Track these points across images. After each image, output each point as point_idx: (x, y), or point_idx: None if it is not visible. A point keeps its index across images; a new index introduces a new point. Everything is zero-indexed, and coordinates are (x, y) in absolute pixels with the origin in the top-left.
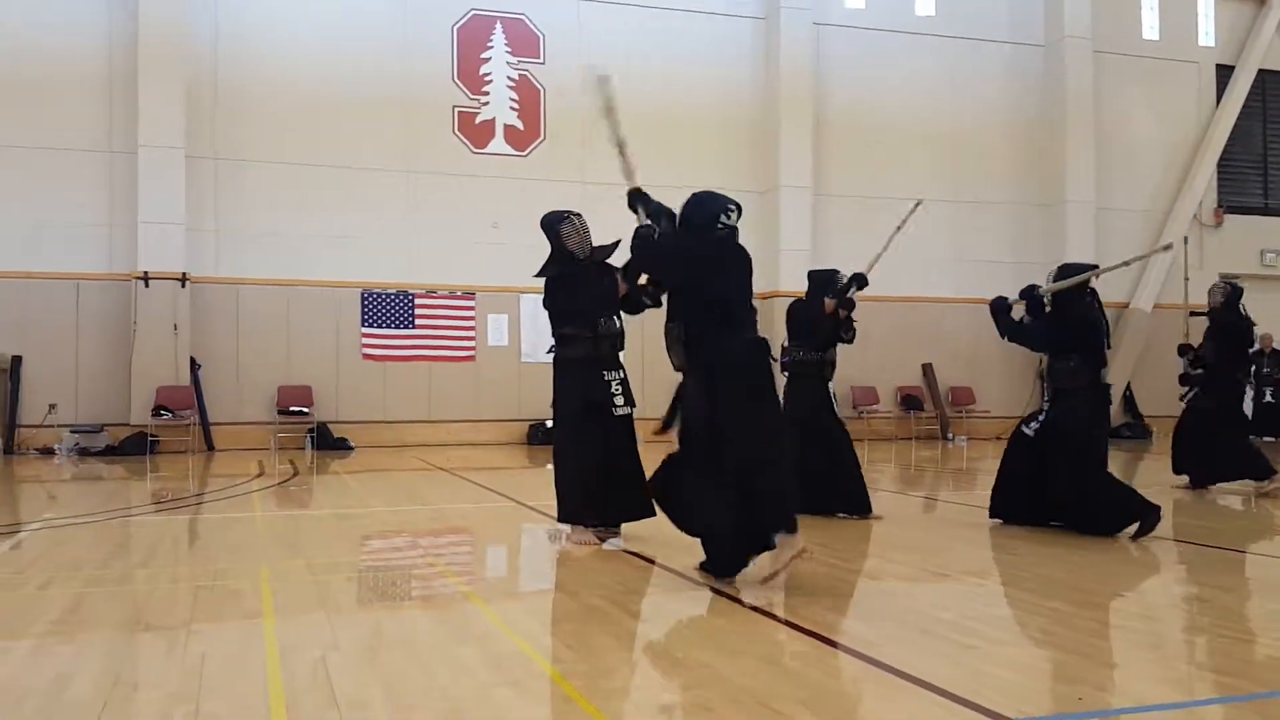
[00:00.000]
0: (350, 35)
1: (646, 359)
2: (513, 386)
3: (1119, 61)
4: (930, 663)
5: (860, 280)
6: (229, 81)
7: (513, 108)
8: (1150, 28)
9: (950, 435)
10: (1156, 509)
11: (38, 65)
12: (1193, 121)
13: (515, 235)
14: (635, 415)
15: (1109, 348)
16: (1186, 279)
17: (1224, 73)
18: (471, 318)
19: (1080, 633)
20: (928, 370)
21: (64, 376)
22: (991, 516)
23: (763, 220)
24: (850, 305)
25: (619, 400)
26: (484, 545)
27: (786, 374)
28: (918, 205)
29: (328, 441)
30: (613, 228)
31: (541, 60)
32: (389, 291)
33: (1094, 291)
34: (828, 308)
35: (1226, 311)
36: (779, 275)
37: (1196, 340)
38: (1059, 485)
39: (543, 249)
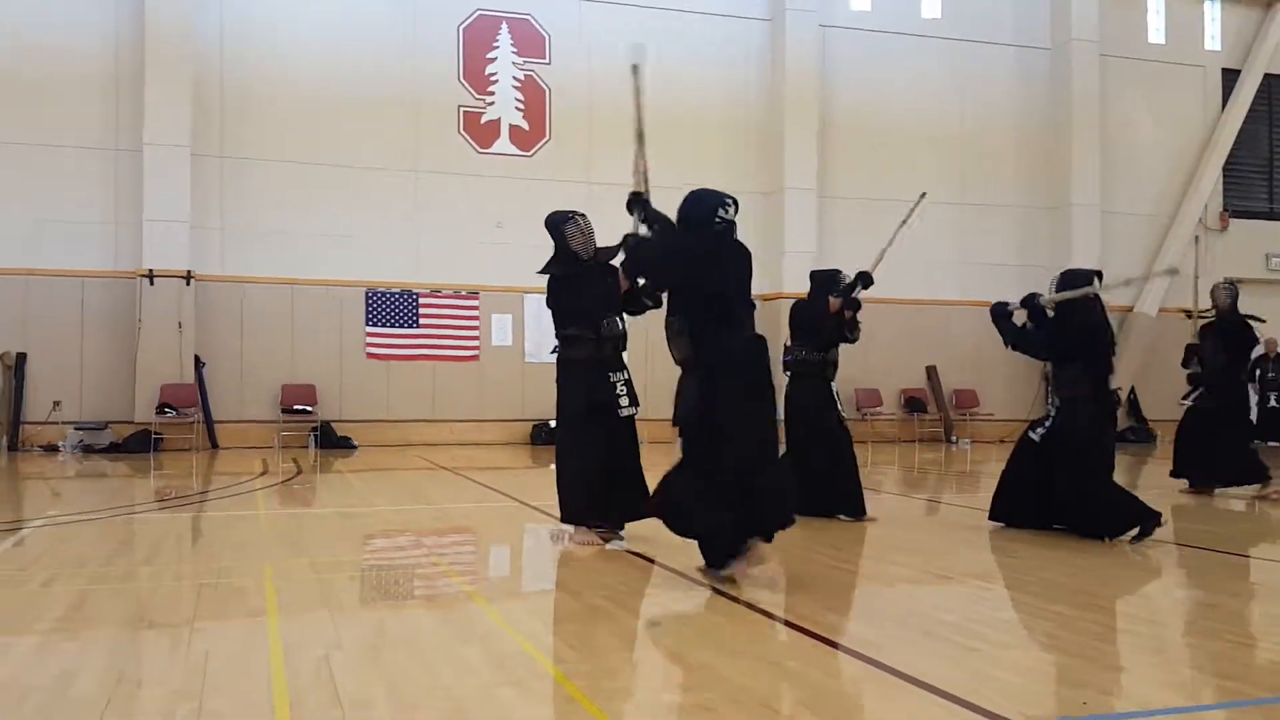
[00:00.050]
0: (356, 35)
1: (650, 360)
2: (516, 386)
3: (1125, 65)
4: (932, 664)
5: (865, 279)
6: (235, 80)
7: (518, 108)
8: (1156, 31)
9: (954, 438)
10: (1157, 515)
11: (44, 63)
12: (1198, 125)
13: (520, 235)
14: (639, 416)
15: (1115, 354)
16: (1197, 278)
17: (1230, 77)
18: (476, 317)
19: (1084, 636)
20: (932, 373)
21: (69, 374)
22: (991, 519)
23: (767, 222)
24: (856, 305)
25: (624, 401)
26: (487, 545)
27: (788, 373)
28: (923, 197)
29: (331, 440)
30: (617, 228)
31: (547, 60)
32: (393, 291)
33: (1098, 296)
34: (833, 306)
35: (1233, 313)
36: (783, 277)
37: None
38: (1062, 489)
39: (547, 249)
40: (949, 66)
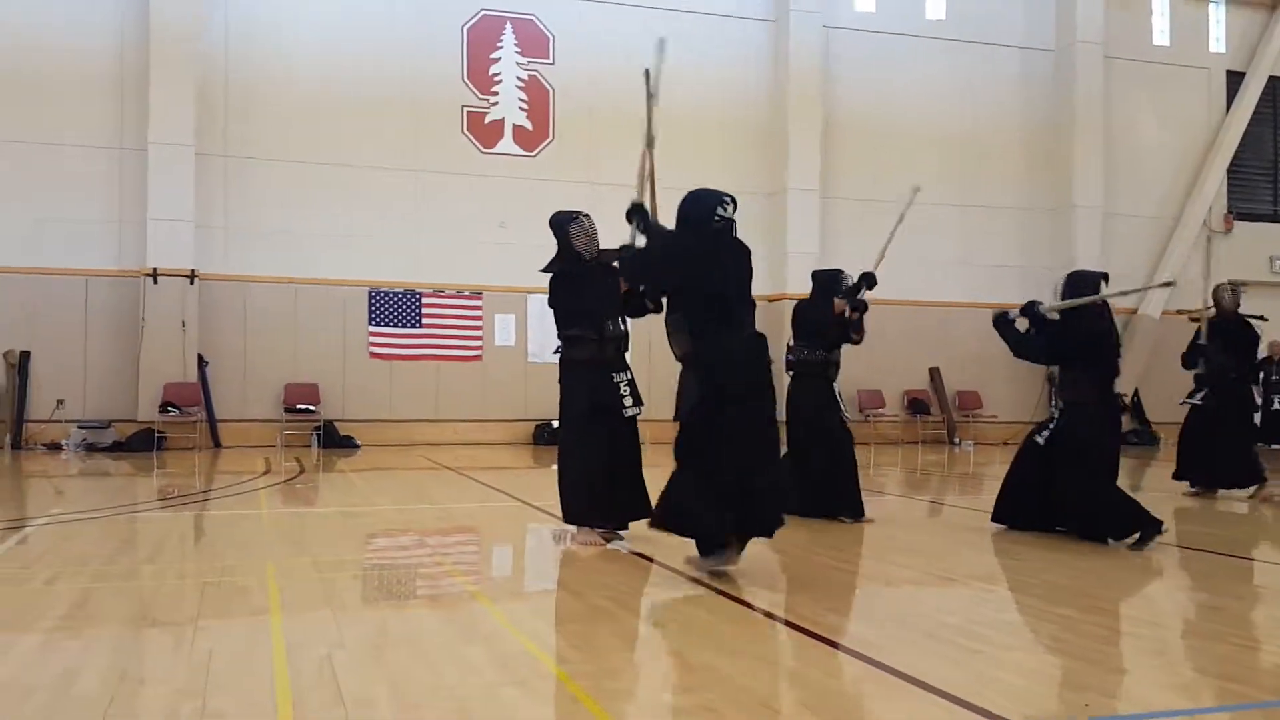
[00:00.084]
0: (361, 35)
1: (651, 360)
2: (519, 386)
3: (1129, 67)
4: (934, 666)
5: (869, 280)
6: (239, 79)
7: (521, 108)
8: (1161, 33)
9: (957, 440)
10: (1158, 523)
11: (50, 63)
12: (1203, 127)
13: (523, 235)
14: (641, 416)
15: (1120, 357)
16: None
17: (1234, 79)
18: (479, 317)
19: (1087, 638)
20: (935, 374)
21: (72, 372)
22: (994, 521)
23: (770, 222)
24: (863, 306)
25: (628, 401)
26: (490, 545)
27: (791, 373)
28: (916, 191)
29: (334, 440)
30: (620, 228)
31: (551, 61)
32: (396, 290)
33: (1105, 301)
34: (838, 308)
35: (1236, 313)
36: (786, 277)
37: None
38: (1064, 492)
39: (550, 249)
40: (953, 68)
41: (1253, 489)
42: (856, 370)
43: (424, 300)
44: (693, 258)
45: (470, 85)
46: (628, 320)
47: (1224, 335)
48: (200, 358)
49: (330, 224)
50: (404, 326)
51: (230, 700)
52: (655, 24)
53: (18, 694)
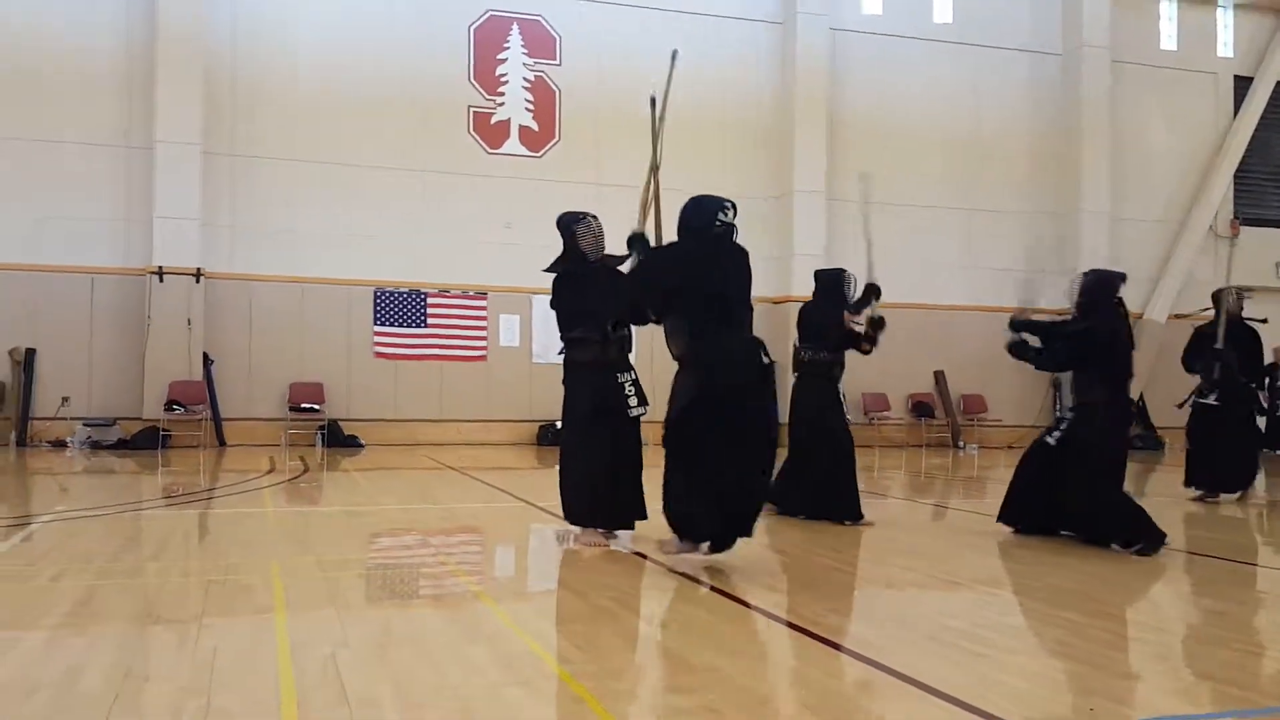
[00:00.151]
0: (368, 35)
1: (653, 360)
2: (524, 387)
3: (1137, 71)
4: (937, 668)
5: (875, 291)
6: (246, 79)
7: (528, 108)
8: (1169, 38)
9: (961, 443)
10: (1162, 536)
11: (57, 61)
12: (1210, 132)
13: (528, 236)
14: (645, 416)
15: (1132, 360)
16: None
17: (1242, 84)
18: (483, 318)
19: (1091, 643)
20: (939, 377)
21: (77, 370)
22: (999, 521)
23: (776, 224)
24: (881, 324)
25: (633, 401)
26: (494, 545)
27: (795, 374)
28: (867, 180)
29: (338, 439)
30: (626, 229)
31: (558, 62)
32: (401, 290)
33: (1120, 300)
34: (847, 321)
35: (1240, 318)
36: (792, 279)
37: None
38: (1072, 495)
39: (555, 249)
40: (960, 71)
41: (1238, 493)
42: (861, 373)
43: (429, 300)
44: (693, 260)
45: (477, 86)
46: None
47: (1231, 339)
48: (205, 356)
49: (336, 223)
50: (409, 326)
51: (234, 698)
52: (662, 25)
53: (22, 691)
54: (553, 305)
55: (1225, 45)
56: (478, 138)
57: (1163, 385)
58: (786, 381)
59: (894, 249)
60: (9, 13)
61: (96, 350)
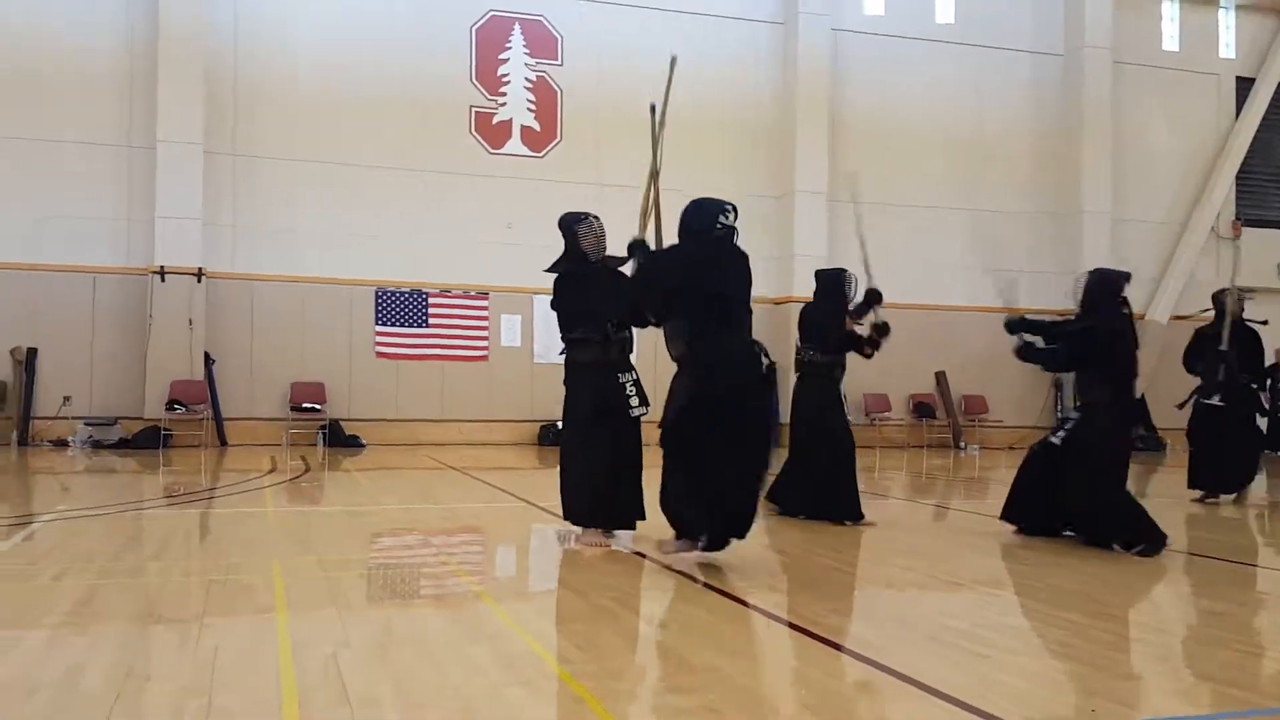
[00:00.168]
0: (369, 35)
1: (656, 361)
2: (525, 387)
3: (1138, 72)
4: (937, 668)
5: (876, 296)
6: (248, 78)
7: (529, 109)
8: (1171, 39)
9: (962, 444)
10: (1163, 537)
11: (59, 61)
12: (1212, 133)
13: (530, 236)
14: (646, 417)
15: (1137, 360)
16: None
17: (1244, 85)
18: (485, 318)
19: (1093, 644)
20: (941, 378)
21: (79, 369)
22: (1002, 519)
23: (777, 225)
24: (885, 330)
25: (634, 401)
26: (495, 545)
27: (797, 374)
28: (854, 178)
29: (339, 439)
30: (628, 229)
31: (559, 62)
32: (403, 290)
33: (1125, 299)
34: (848, 326)
35: (1241, 318)
36: (793, 280)
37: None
38: (1072, 495)
39: (556, 249)
40: (961, 72)
41: (1234, 494)
42: (862, 373)
43: (430, 300)
44: (694, 261)
45: (478, 86)
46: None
47: (1233, 341)
48: (207, 356)
49: (338, 223)
50: (410, 326)
51: (236, 698)
52: (664, 26)
53: (23, 690)
54: (554, 305)
55: (1227, 46)
56: (479, 138)
57: (1164, 386)
58: (788, 382)
59: (895, 249)
60: (11, 13)
61: (98, 350)
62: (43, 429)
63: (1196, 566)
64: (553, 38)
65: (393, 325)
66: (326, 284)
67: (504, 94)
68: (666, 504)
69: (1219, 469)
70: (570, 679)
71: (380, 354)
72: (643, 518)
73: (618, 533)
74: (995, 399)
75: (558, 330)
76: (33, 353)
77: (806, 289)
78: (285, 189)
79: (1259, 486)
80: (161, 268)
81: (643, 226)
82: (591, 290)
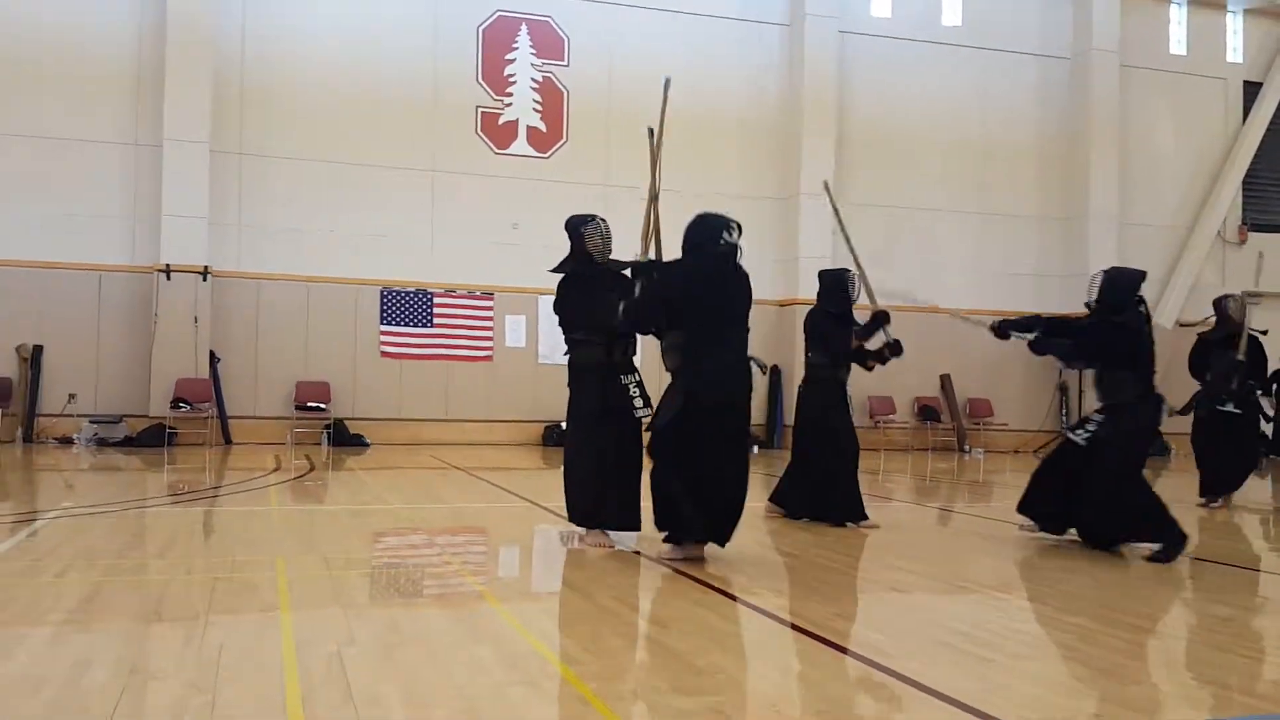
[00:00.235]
0: (376, 34)
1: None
2: (529, 388)
3: (1146, 76)
4: (945, 673)
5: (884, 317)
6: (255, 78)
7: (536, 109)
8: (1178, 42)
9: (967, 447)
10: (1184, 537)
11: (66, 58)
12: (1219, 137)
13: (535, 237)
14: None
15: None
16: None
17: (1251, 89)
18: (490, 318)
19: (1100, 648)
20: (945, 381)
21: (84, 367)
22: (1018, 512)
23: (783, 226)
24: (897, 350)
25: (638, 403)
26: (499, 545)
27: (803, 377)
28: (826, 186)
29: (344, 438)
30: (633, 230)
31: (566, 63)
32: (408, 290)
33: (1141, 299)
34: (857, 343)
35: (1243, 326)
36: (798, 282)
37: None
38: (1092, 495)
39: (561, 250)
40: (968, 75)
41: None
42: (866, 376)
43: (435, 300)
44: (695, 277)
45: (485, 86)
46: None
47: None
48: (212, 354)
49: (343, 223)
50: (415, 326)
51: (240, 696)
52: (671, 27)
53: (28, 687)
54: (557, 306)
55: (1234, 50)
56: (485, 138)
57: (1169, 391)
58: (791, 385)
59: (901, 252)
60: (19, 11)
61: (103, 347)
62: (48, 426)
63: (1204, 571)
64: (559, 38)
65: (398, 325)
66: (332, 283)
67: (510, 94)
68: (654, 508)
69: (1225, 473)
70: (575, 679)
71: (385, 353)
72: (639, 519)
73: (622, 534)
74: (1000, 402)
75: (563, 333)
76: (38, 350)
77: (811, 291)
78: (291, 188)
79: (1260, 490)
80: (167, 266)
81: (644, 248)
82: (596, 292)
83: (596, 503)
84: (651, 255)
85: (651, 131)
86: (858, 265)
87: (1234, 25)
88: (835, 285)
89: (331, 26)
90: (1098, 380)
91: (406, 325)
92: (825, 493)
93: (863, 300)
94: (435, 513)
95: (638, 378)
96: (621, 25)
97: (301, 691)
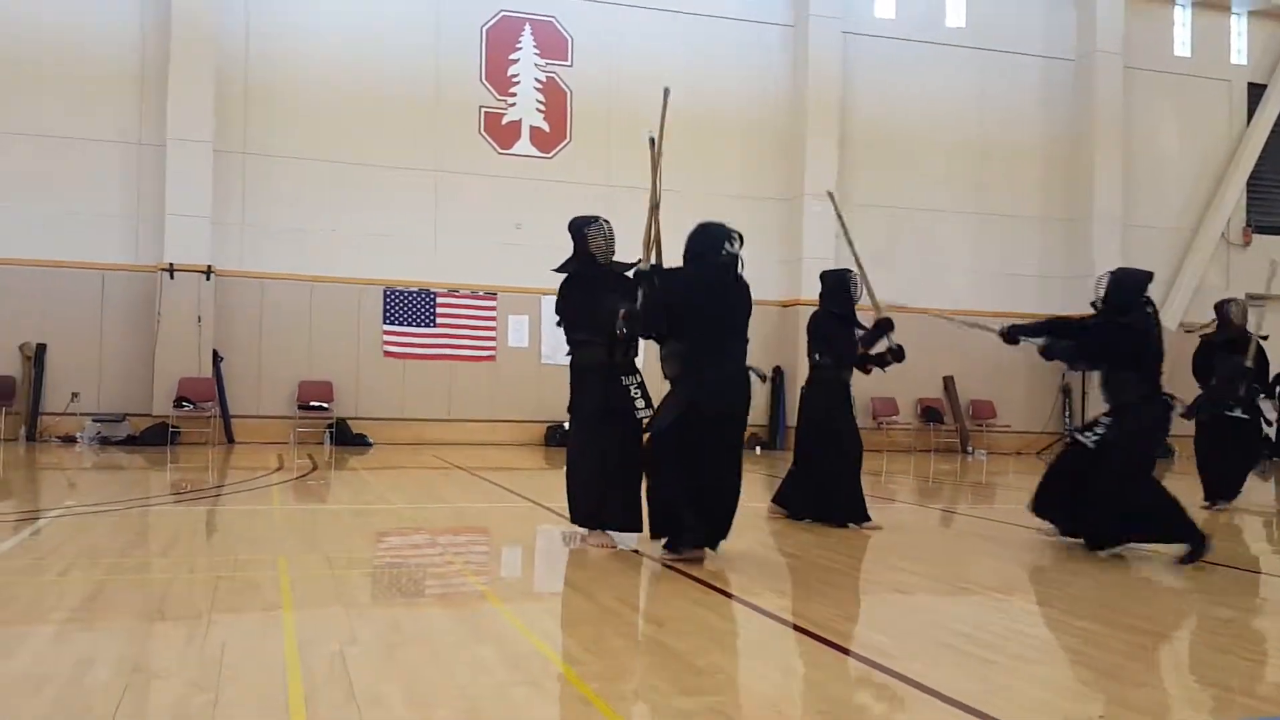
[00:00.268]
0: (380, 34)
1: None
2: (531, 388)
3: (1150, 78)
4: (948, 674)
5: (888, 325)
6: (259, 77)
7: (539, 109)
8: (1182, 44)
9: (970, 448)
10: (1204, 537)
11: (70, 57)
12: (1223, 139)
13: (538, 237)
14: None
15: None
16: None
17: (1255, 91)
18: (493, 318)
19: (1105, 650)
20: (949, 383)
21: (87, 365)
22: (1031, 511)
23: (786, 227)
24: (901, 356)
25: (639, 404)
26: (501, 545)
27: (807, 379)
28: (830, 196)
29: (346, 437)
30: (636, 230)
31: (569, 63)
32: (411, 290)
33: (1149, 299)
34: (875, 348)
35: (1244, 330)
36: (801, 283)
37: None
38: (1101, 498)
39: (565, 250)
40: (972, 76)
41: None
42: (870, 378)
43: (438, 300)
44: (696, 286)
45: (488, 86)
46: None
47: (1241, 351)
48: (215, 353)
49: (346, 222)
50: (418, 326)
51: (242, 695)
52: (674, 28)
53: (31, 685)
54: (559, 307)
55: (1239, 52)
56: (489, 138)
57: (1174, 393)
58: (794, 387)
59: (903, 252)
60: (22, 10)
61: (107, 346)
62: (51, 425)
63: (1205, 574)
64: (563, 38)
65: (401, 325)
66: (335, 283)
67: (514, 94)
68: (651, 516)
69: (1230, 478)
70: (577, 680)
71: (388, 353)
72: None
73: (624, 534)
74: (1003, 404)
75: (565, 334)
76: (42, 349)
77: (814, 292)
78: (295, 187)
79: (1263, 492)
80: (171, 265)
81: (646, 257)
82: (599, 292)
83: (598, 503)
84: (653, 263)
85: (653, 140)
86: (861, 271)
87: (1238, 27)
88: (837, 286)
89: (335, 26)
90: (1104, 382)
91: (409, 325)
92: (828, 494)
93: (864, 301)
94: (438, 512)
95: (639, 379)
96: (625, 25)
97: (304, 691)
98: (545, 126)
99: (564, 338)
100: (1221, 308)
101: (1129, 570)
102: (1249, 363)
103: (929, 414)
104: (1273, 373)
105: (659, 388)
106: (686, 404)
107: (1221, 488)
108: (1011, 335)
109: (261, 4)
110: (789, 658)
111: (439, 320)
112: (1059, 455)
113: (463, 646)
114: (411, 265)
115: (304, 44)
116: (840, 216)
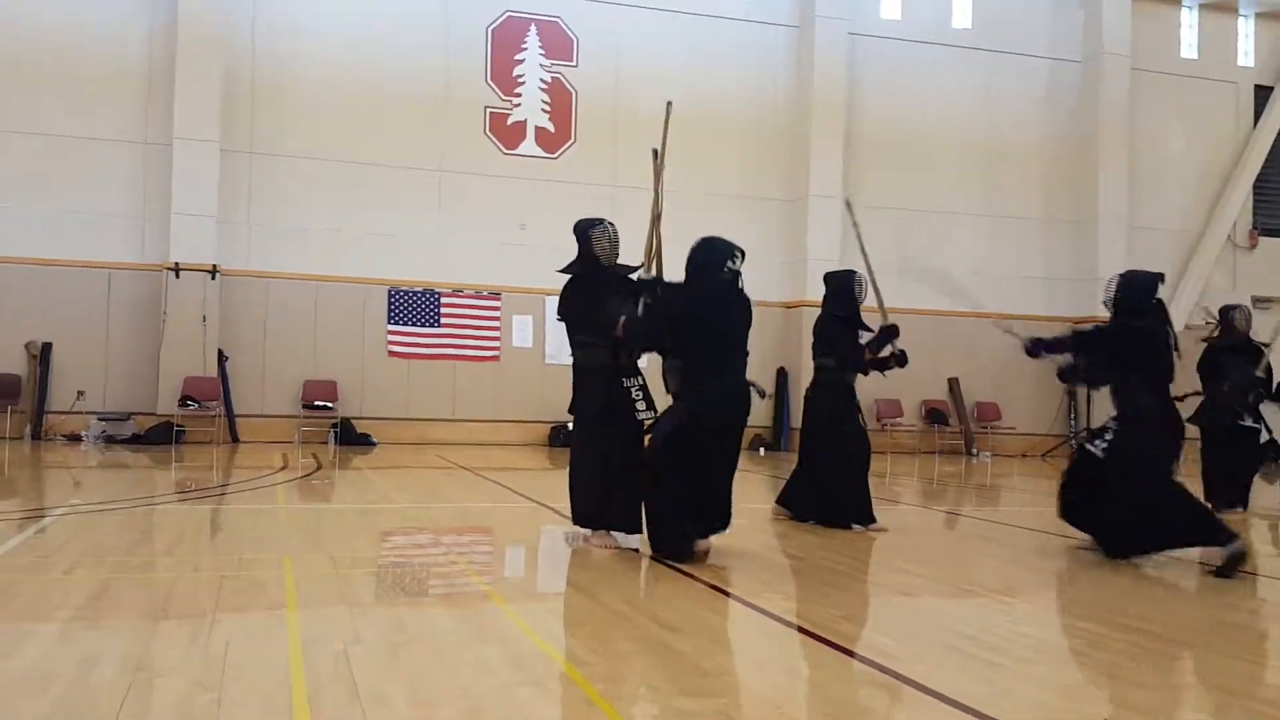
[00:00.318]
0: (386, 34)
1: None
2: (535, 388)
3: (1156, 79)
4: (952, 677)
5: (894, 331)
6: (265, 77)
7: (544, 110)
8: (1189, 46)
9: (974, 450)
10: (1235, 535)
11: (76, 56)
12: (1229, 142)
13: (542, 237)
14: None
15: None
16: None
17: (1262, 93)
18: (497, 318)
19: (1109, 653)
20: (954, 384)
21: (93, 364)
22: (1060, 518)
23: (791, 229)
24: (904, 361)
25: (641, 406)
26: (505, 545)
27: (811, 381)
28: (848, 204)
29: (351, 437)
30: (638, 229)
31: (575, 63)
32: (416, 290)
33: (1160, 302)
34: (876, 354)
35: (1247, 336)
36: (806, 284)
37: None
38: (1120, 508)
39: (569, 251)
40: (978, 77)
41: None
42: (874, 379)
43: (443, 300)
44: (699, 301)
45: (493, 86)
46: None
47: (1243, 357)
48: (220, 353)
49: (352, 222)
50: (422, 326)
51: (246, 694)
52: (680, 28)
53: (36, 683)
54: (563, 308)
55: (1245, 54)
56: (494, 138)
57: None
58: (798, 389)
59: (911, 254)
60: (30, 10)
61: (112, 345)
62: (56, 423)
63: (1208, 576)
64: (568, 39)
65: (405, 324)
66: (340, 283)
67: (519, 95)
68: (650, 529)
69: (1237, 483)
70: (581, 680)
71: (392, 353)
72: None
73: (627, 535)
74: (1008, 406)
75: (568, 335)
76: (47, 347)
77: (819, 293)
78: (300, 187)
79: (1269, 495)
80: (176, 264)
81: (648, 267)
82: (602, 294)
83: (601, 504)
84: (654, 275)
85: (655, 152)
86: (872, 279)
87: (1245, 29)
88: (842, 288)
89: (342, 27)
90: (1114, 388)
91: (414, 325)
92: (832, 496)
93: (867, 302)
94: (441, 512)
95: (641, 380)
96: (631, 27)
97: (307, 690)
98: (550, 127)
99: (567, 339)
100: (1226, 314)
101: (1133, 572)
102: (1260, 373)
103: (934, 416)
104: (1278, 380)
105: (660, 389)
106: (687, 414)
107: (1232, 495)
108: (1034, 349)
109: (268, 4)
110: (793, 659)
111: (443, 320)
112: (1071, 462)
113: (466, 646)
114: (416, 265)
115: (310, 44)
116: (856, 225)
